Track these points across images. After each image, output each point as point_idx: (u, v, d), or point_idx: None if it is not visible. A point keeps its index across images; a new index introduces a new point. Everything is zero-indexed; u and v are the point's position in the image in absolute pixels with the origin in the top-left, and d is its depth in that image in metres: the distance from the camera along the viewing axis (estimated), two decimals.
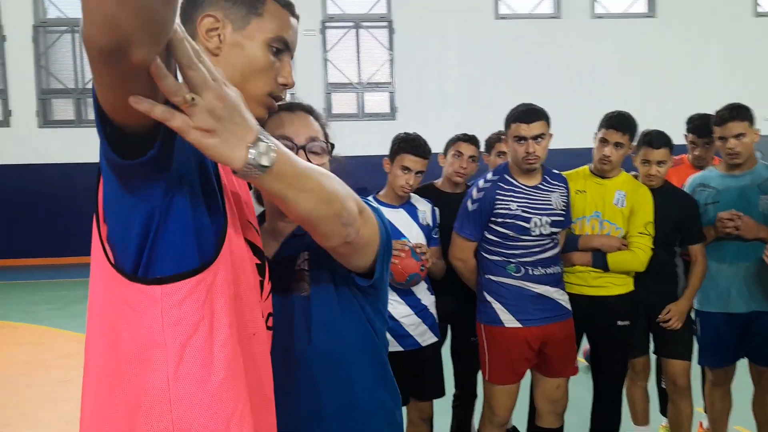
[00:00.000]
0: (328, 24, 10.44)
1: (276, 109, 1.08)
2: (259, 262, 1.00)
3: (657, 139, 2.74)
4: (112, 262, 0.86)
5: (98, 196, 0.87)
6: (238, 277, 0.92)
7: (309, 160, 1.16)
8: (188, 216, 0.85)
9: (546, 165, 2.53)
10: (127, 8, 0.63)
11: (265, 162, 0.79)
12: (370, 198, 2.57)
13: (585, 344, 2.88)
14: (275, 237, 1.26)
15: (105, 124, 0.76)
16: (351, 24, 10.53)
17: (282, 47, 1.03)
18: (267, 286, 1.05)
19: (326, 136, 1.26)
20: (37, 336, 5.65)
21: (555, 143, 2.55)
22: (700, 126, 3.11)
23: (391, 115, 10.50)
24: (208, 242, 0.87)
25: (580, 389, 2.97)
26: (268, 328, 1.05)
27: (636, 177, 2.88)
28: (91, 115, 10.09)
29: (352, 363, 1.19)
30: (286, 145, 1.15)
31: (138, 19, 0.64)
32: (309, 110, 1.28)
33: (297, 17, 1.07)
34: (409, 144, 2.46)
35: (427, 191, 2.81)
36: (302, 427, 1.17)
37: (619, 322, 2.64)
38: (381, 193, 2.58)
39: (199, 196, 0.86)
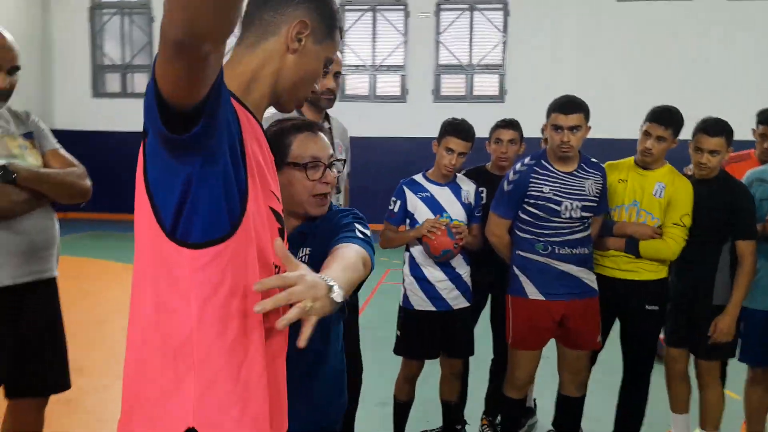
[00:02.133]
0: (443, 6, 10.65)
1: (301, 106, 1.29)
2: (280, 226, 1.14)
3: (713, 127, 2.70)
4: (157, 219, 0.97)
5: (140, 158, 0.99)
6: (258, 241, 1.04)
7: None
8: (220, 189, 0.95)
9: (583, 153, 2.70)
10: (206, 10, 0.75)
11: (339, 299, 1.04)
12: (419, 174, 2.88)
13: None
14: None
15: (159, 102, 0.86)
16: (466, 6, 10.66)
17: (328, 65, 1.23)
18: (285, 245, 1.18)
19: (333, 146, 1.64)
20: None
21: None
22: None
23: (500, 98, 10.56)
24: (233, 214, 0.99)
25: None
26: None
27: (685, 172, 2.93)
28: (137, 88, 10.95)
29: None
30: (316, 164, 1.55)
31: (214, 19, 0.76)
32: (323, 130, 1.62)
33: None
34: (453, 128, 2.74)
35: (477, 173, 3.07)
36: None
37: (648, 306, 2.77)
38: (429, 171, 2.87)
39: (230, 170, 0.97)
